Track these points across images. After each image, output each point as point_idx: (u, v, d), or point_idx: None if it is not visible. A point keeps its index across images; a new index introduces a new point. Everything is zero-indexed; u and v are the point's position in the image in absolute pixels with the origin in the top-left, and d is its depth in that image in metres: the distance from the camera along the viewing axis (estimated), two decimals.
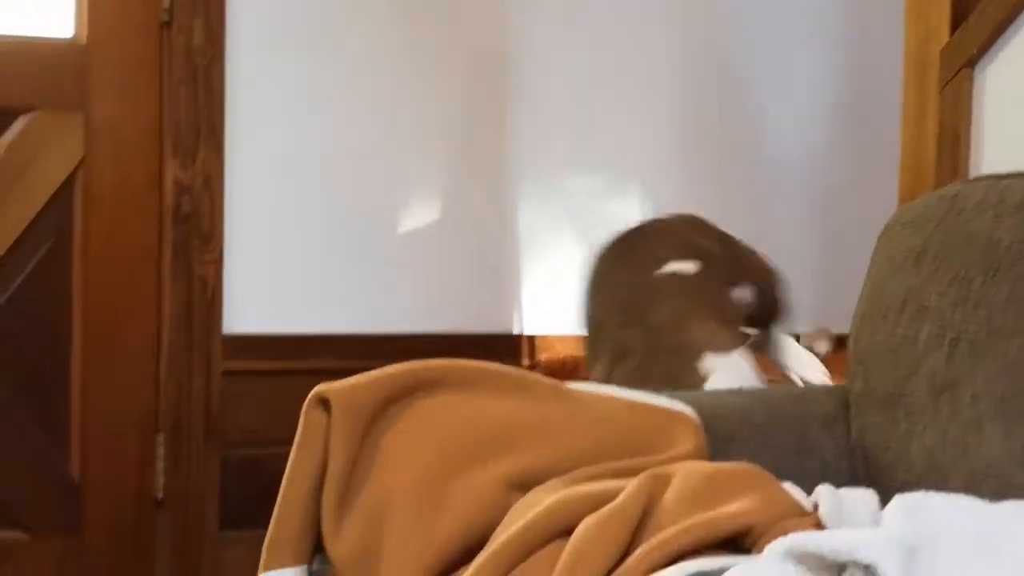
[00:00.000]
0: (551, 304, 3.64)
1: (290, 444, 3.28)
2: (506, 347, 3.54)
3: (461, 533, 1.82)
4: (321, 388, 1.96)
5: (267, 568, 2.01)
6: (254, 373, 3.35)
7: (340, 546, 1.92)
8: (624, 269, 2.86)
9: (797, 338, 3.15)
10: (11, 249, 3.18)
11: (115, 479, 3.24)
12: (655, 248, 2.86)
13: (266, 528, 3.32)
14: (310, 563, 2.00)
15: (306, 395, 2.02)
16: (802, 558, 1.54)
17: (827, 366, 3.04)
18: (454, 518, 1.84)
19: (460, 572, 1.79)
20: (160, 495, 3.28)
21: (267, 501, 3.30)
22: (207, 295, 3.27)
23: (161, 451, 3.28)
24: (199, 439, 3.30)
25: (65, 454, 3.22)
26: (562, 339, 3.65)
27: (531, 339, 3.63)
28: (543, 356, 3.61)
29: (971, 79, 2.90)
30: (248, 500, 3.32)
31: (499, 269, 3.57)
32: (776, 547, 1.56)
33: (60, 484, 3.21)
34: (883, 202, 3.08)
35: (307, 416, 1.97)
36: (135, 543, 3.27)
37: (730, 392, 2.26)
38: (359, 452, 1.93)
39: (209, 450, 3.31)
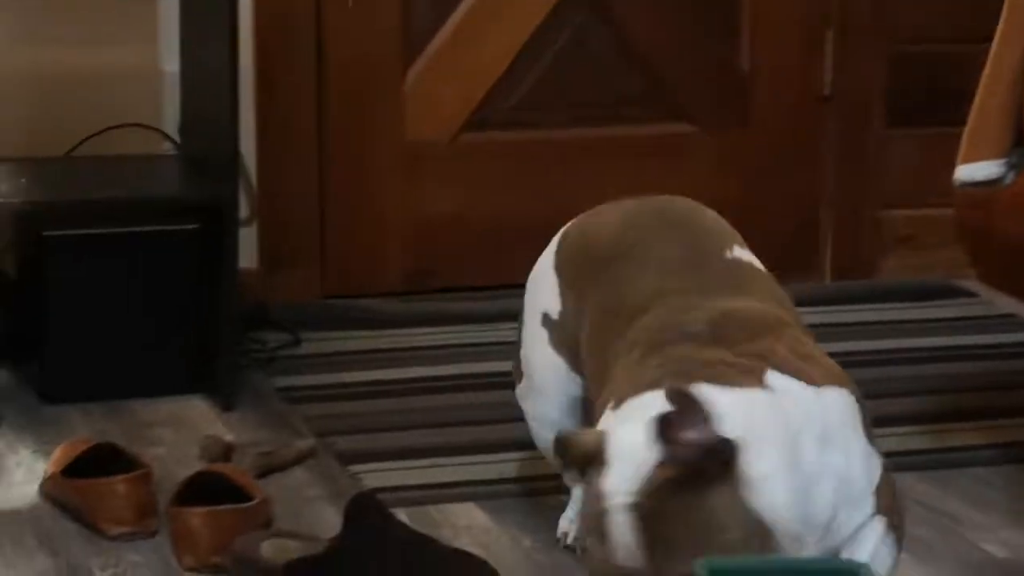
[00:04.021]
0: None
1: (958, 42, 3.19)
2: None
3: None
4: None
5: (966, 160, 1.97)
6: None
7: None
8: None
9: None
10: None
11: (783, 74, 3.25)
12: None
13: (934, 126, 3.28)
14: (1008, 155, 1.95)
15: None
16: None
17: None
18: None
19: None
20: (827, 91, 3.27)
21: (936, 99, 3.24)
22: None
23: (829, 47, 3.25)
24: (868, 34, 3.25)
25: (735, 49, 3.24)
26: None
27: None
28: None
29: None
30: (915, 97, 3.27)
31: None
32: None
33: (729, 79, 3.24)
34: None
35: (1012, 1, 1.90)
36: (800, 138, 3.28)
37: None
38: None
39: (877, 46, 3.26)
